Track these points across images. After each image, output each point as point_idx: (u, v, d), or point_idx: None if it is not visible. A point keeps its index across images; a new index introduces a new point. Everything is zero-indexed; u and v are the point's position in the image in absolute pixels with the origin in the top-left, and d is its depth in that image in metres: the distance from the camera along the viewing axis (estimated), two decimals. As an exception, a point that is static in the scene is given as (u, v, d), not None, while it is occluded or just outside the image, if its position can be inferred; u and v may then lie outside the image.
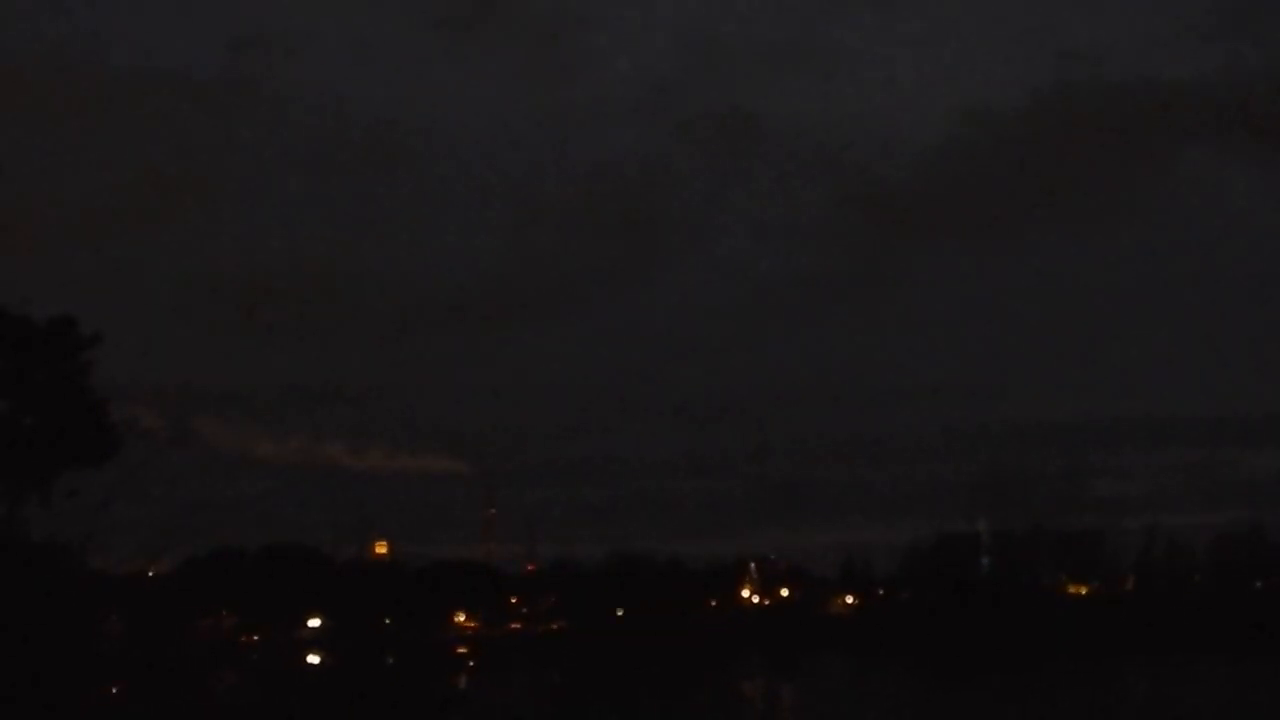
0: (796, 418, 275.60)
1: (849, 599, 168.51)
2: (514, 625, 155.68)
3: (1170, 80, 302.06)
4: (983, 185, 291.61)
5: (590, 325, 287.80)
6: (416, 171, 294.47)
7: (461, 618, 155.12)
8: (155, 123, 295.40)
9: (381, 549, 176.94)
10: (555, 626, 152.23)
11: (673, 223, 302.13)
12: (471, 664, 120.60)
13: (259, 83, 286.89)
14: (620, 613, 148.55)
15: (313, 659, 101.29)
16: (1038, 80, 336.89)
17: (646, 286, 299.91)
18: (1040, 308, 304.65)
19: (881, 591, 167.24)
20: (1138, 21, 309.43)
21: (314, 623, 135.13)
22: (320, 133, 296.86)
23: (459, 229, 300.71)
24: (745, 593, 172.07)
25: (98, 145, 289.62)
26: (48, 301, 21.04)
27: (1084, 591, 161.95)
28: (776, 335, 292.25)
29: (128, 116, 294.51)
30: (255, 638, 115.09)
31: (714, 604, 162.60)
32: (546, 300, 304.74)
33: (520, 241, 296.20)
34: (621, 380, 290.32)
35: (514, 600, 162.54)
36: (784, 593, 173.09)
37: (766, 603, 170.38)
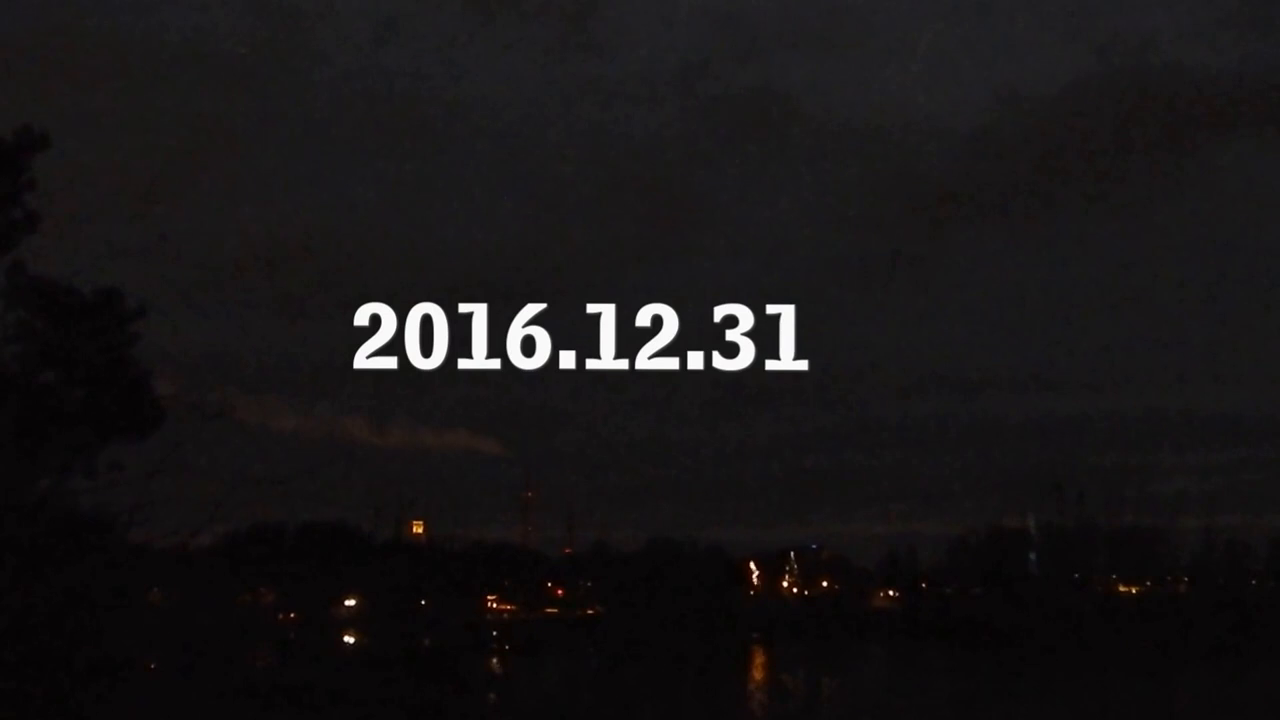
0: (837, 405, 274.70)
1: (890, 592, 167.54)
2: (550, 610, 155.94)
3: (1213, 68, 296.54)
4: (1022, 171, 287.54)
5: (621, 306, 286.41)
6: (443, 148, 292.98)
7: (497, 601, 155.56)
8: (182, 95, 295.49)
9: (418, 529, 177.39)
10: (591, 612, 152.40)
11: (703, 204, 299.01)
12: (507, 647, 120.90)
13: (286, 56, 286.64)
14: (657, 599, 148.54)
15: (348, 638, 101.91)
16: (1079, 66, 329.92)
17: (676, 268, 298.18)
18: (1082, 297, 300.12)
19: (924, 585, 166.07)
20: (1180, 9, 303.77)
21: (350, 602, 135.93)
22: (348, 108, 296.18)
23: (486, 206, 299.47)
24: (785, 583, 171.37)
25: (124, 117, 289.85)
26: (87, 275, 20.90)
27: (1134, 591, 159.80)
28: (812, 320, 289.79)
29: (154, 88, 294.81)
30: (292, 615, 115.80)
31: (752, 593, 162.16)
32: (574, 280, 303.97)
33: (547, 220, 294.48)
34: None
35: (550, 584, 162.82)
36: (824, 584, 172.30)
37: (806, 594, 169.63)
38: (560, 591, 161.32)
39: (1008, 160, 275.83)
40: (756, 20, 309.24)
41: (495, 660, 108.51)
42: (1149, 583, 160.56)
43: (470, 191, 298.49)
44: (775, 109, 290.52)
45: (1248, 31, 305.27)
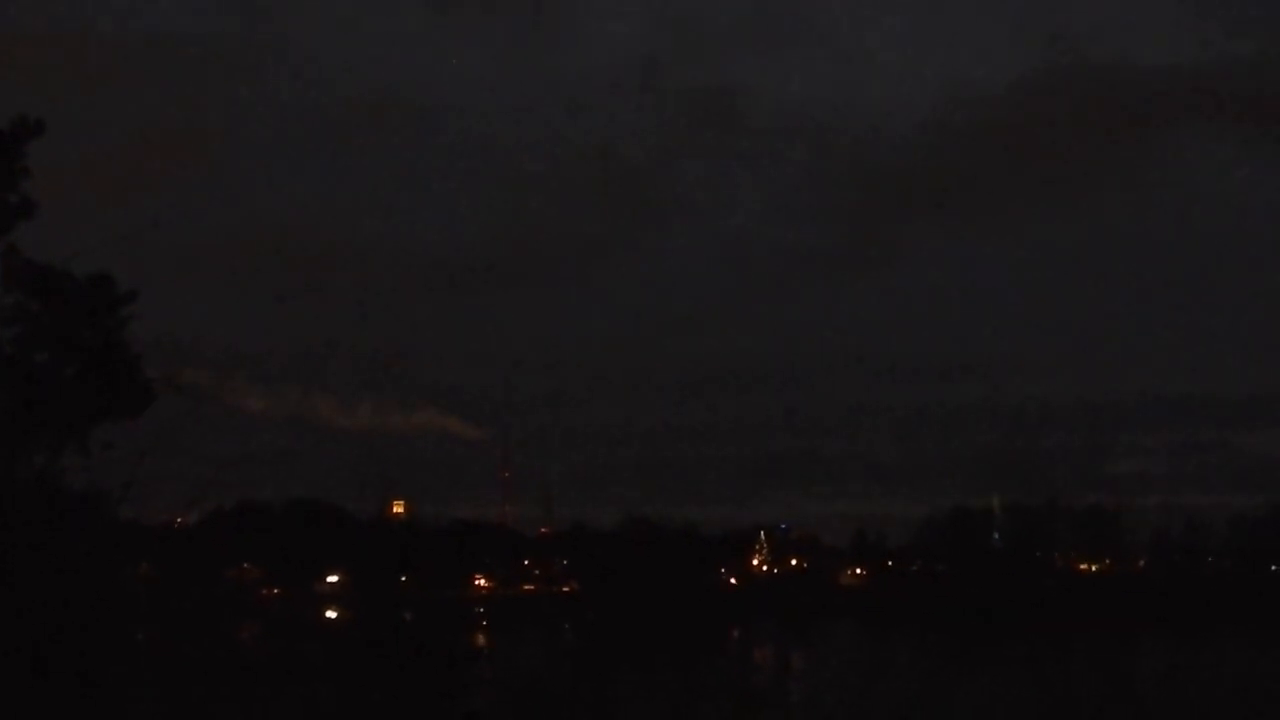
0: (803, 390, 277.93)
1: (858, 570, 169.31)
2: (528, 586, 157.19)
3: (1156, 64, 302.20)
4: (974, 163, 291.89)
5: (581, 297, 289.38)
6: (406, 143, 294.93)
7: (477, 578, 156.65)
8: (153, 87, 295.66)
9: (398, 508, 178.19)
10: (567, 589, 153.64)
11: (660, 198, 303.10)
12: (486, 623, 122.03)
13: (249, 51, 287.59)
14: (632, 577, 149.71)
15: (331, 614, 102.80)
16: (1025, 61, 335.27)
17: (636, 260, 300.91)
18: (1038, 284, 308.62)
19: (891, 563, 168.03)
20: (1125, 5, 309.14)
21: (333, 578, 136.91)
22: (311, 102, 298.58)
23: (449, 198, 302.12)
24: (755, 561, 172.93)
25: (98, 109, 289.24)
26: (80, 259, 21.80)
27: (1094, 569, 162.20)
28: (771, 309, 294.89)
29: (125, 80, 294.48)
30: (276, 591, 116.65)
31: (724, 571, 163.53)
32: (537, 271, 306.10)
33: (507, 212, 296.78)
34: (624, 350, 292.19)
35: (528, 563, 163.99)
36: (794, 562, 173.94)
37: (775, 571, 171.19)
38: (538, 569, 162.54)
39: (959, 153, 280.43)
40: (708, 18, 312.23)
41: (476, 635, 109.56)
42: (1108, 560, 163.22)
43: (434, 183, 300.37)
44: (728, 105, 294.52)
45: (1192, 26, 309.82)
